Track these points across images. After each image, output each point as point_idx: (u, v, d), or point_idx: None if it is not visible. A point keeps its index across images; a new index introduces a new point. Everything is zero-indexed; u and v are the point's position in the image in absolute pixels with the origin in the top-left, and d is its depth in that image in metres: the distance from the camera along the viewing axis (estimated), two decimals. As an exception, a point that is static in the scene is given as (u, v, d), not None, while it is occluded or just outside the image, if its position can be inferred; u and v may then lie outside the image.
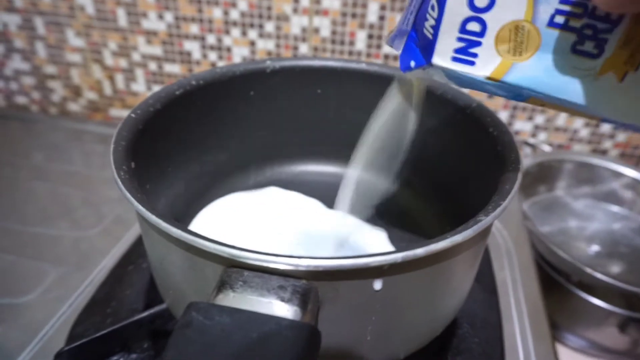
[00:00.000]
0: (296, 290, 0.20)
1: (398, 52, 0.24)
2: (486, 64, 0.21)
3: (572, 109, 0.22)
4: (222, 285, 0.20)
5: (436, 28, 0.21)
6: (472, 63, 0.21)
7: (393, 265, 0.20)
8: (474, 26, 0.20)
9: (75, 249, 0.42)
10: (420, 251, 0.20)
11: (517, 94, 0.22)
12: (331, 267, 0.20)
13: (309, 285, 0.20)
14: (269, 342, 0.17)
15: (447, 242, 0.21)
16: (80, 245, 0.43)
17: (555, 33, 0.19)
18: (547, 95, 0.21)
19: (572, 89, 0.21)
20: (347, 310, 0.23)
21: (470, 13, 0.20)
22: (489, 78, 0.21)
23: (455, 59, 0.21)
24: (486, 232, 0.27)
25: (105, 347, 0.30)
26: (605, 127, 0.59)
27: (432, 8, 0.21)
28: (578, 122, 0.59)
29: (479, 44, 0.20)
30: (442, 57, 0.21)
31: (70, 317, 0.34)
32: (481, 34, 0.20)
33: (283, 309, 0.19)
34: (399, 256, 0.20)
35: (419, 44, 0.23)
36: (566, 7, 0.19)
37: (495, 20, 0.20)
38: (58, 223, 0.46)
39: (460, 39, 0.20)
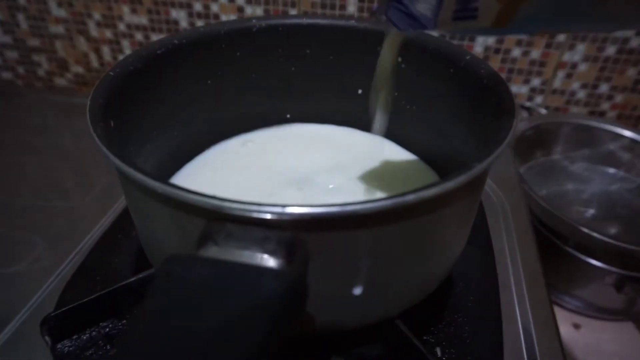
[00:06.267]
0: (281, 242, 0.19)
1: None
2: (488, 14, 0.20)
3: (577, 30, 0.21)
4: (205, 238, 0.19)
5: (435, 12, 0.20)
6: (474, 17, 0.21)
7: (383, 213, 0.19)
8: None
9: (64, 220, 0.42)
10: (410, 197, 0.19)
11: (526, 31, 0.22)
12: (316, 214, 0.19)
13: (295, 236, 0.19)
14: (251, 291, 0.16)
15: (438, 188, 0.20)
16: (69, 216, 0.42)
17: None
18: (556, 27, 0.20)
19: (578, 12, 0.20)
20: (336, 263, 0.22)
21: None
22: (494, 25, 0.21)
23: (456, 18, 0.21)
24: (480, 182, 0.26)
25: (94, 312, 0.29)
26: (603, 89, 0.58)
27: None
28: (575, 84, 0.58)
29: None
30: (444, 23, 0.21)
31: (59, 285, 0.33)
32: None
33: (267, 261, 0.18)
34: (389, 202, 0.19)
35: (415, 14, 0.22)
36: None
37: None
38: (48, 195, 0.45)
39: (457, 2, 0.20)
